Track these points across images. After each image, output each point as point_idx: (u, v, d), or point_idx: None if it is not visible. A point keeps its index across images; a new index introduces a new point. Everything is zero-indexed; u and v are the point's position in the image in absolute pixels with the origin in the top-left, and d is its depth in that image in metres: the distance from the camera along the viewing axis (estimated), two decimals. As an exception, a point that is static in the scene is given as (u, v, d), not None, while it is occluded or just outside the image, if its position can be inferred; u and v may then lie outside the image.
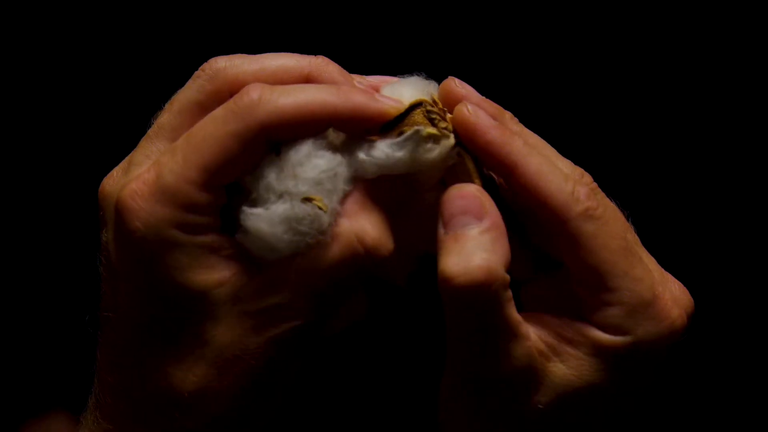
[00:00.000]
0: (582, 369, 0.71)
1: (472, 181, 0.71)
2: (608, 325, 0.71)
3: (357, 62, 0.79)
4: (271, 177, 0.69)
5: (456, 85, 0.72)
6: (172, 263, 0.68)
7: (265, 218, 0.68)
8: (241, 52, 0.73)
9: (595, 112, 1.03)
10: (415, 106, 0.71)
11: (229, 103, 0.68)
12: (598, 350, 0.71)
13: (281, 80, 0.71)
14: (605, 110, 1.04)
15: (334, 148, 0.70)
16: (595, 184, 0.72)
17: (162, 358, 0.70)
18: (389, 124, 0.70)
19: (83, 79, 1.04)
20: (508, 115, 0.73)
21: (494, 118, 0.71)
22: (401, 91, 0.72)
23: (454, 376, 0.71)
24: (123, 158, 0.73)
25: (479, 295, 0.67)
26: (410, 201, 0.73)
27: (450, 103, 0.72)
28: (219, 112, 0.69)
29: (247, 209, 0.69)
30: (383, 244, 0.69)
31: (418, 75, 0.74)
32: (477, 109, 0.70)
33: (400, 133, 0.70)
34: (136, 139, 0.73)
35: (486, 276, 0.67)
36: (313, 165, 0.69)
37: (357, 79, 0.74)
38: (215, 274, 0.69)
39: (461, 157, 0.72)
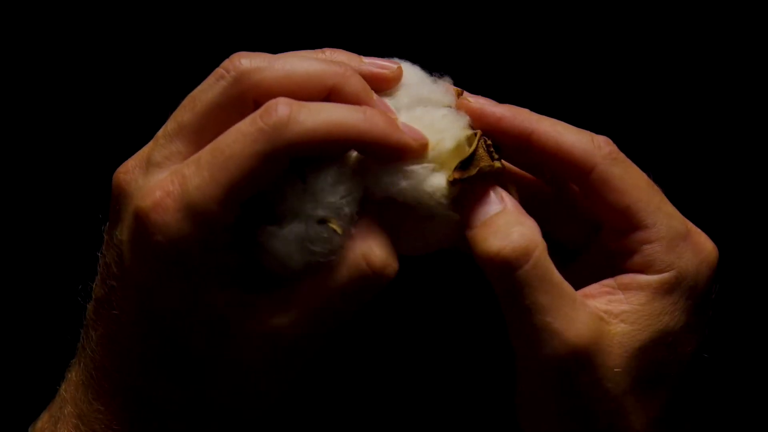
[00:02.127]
0: (642, 321, 0.71)
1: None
2: (650, 263, 0.72)
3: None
4: (293, 200, 0.69)
5: (469, 100, 0.73)
6: (187, 279, 0.68)
7: (280, 236, 0.69)
8: (253, 44, 0.72)
9: (591, 114, 1.05)
10: (479, 139, 0.72)
11: (258, 120, 0.67)
12: (648, 295, 0.72)
13: (305, 89, 0.69)
14: (602, 112, 1.06)
15: (355, 172, 0.70)
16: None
17: (156, 369, 0.70)
18: (465, 162, 0.71)
19: (93, 68, 1.05)
20: None
21: None
22: (433, 117, 0.72)
23: (529, 369, 0.71)
24: (125, 145, 0.74)
25: (526, 262, 0.68)
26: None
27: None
28: (248, 128, 0.67)
29: (264, 226, 0.69)
30: (389, 264, 0.69)
31: (438, 75, 0.74)
32: (476, 96, 0.73)
33: (479, 170, 0.71)
34: (144, 126, 0.73)
35: (527, 241, 0.68)
36: (336, 191, 0.69)
37: (365, 60, 0.73)
38: (227, 293, 0.69)
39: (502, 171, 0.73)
